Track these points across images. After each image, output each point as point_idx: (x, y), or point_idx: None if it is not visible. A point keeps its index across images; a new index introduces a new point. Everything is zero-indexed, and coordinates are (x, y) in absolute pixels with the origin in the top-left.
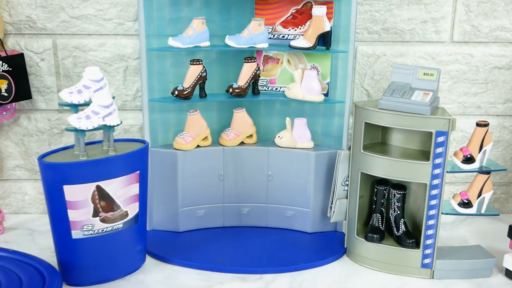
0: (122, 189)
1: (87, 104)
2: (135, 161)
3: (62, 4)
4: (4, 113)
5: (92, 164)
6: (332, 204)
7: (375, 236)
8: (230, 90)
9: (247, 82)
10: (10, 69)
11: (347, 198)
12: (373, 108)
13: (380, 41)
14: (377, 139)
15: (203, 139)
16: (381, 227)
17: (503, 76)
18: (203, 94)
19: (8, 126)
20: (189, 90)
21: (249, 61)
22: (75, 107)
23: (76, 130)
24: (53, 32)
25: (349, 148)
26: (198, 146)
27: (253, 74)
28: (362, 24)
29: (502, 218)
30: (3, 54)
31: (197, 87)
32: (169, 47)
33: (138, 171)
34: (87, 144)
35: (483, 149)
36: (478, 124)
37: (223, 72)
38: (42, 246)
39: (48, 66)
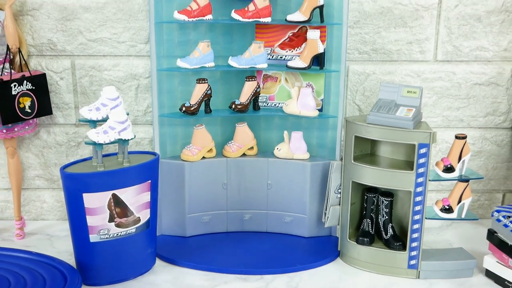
0: (135, 197)
1: (104, 120)
2: (147, 171)
3: (80, 29)
4: (27, 127)
5: (109, 174)
6: (326, 210)
7: (365, 239)
8: (233, 106)
9: (248, 99)
10: (34, 87)
11: (340, 204)
12: (362, 123)
13: (370, 60)
14: (366, 150)
15: (208, 151)
16: (371, 231)
17: (483, 92)
18: (208, 110)
19: (29, 139)
20: (195, 107)
21: (250, 80)
22: (94, 123)
23: (94, 143)
24: (71, 54)
25: (341, 159)
26: (203, 157)
27: (254, 91)
28: (353, 45)
29: (485, 223)
30: (27, 74)
31: (203, 103)
32: (178, 67)
33: (150, 181)
34: (103, 156)
35: (462, 159)
36: (457, 137)
37: (226, 89)
38: (60, 250)
39: (66, 84)
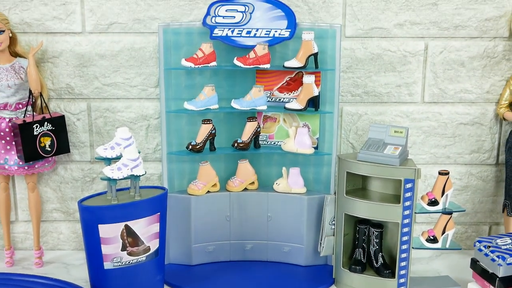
0: (145, 228)
1: (118, 158)
2: (156, 204)
3: (96, 74)
4: (46, 164)
5: (122, 207)
6: (321, 240)
7: (357, 267)
8: (235, 144)
9: (249, 137)
10: (53, 128)
11: (334, 235)
12: (353, 160)
13: (362, 102)
14: (358, 185)
15: (212, 185)
16: (363, 260)
17: (468, 131)
18: (212, 148)
19: (48, 175)
20: (201, 145)
21: (251, 120)
22: (108, 160)
23: (109, 179)
24: (87, 97)
25: (335, 193)
26: (208, 191)
27: (255, 131)
28: (346, 88)
29: (472, 253)
30: (47, 116)
31: (208, 142)
32: (185, 109)
33: (159, 213)
34: (117, 190)
35: (445, 193)
36: (440, 173)
37: (229, 129)
38: (76, 277)
39: (82, 125)
